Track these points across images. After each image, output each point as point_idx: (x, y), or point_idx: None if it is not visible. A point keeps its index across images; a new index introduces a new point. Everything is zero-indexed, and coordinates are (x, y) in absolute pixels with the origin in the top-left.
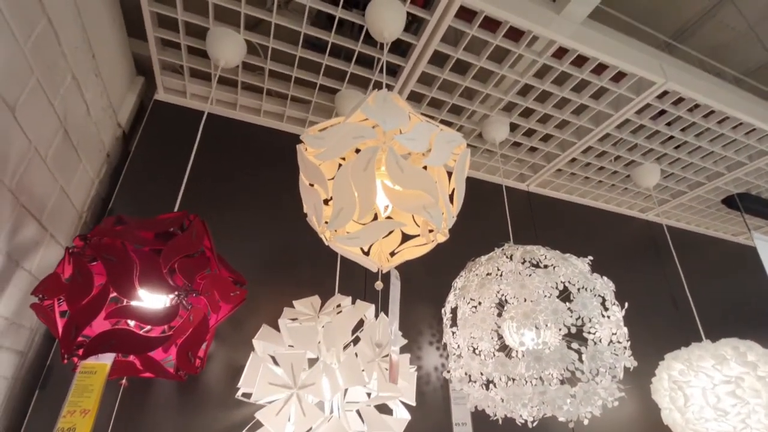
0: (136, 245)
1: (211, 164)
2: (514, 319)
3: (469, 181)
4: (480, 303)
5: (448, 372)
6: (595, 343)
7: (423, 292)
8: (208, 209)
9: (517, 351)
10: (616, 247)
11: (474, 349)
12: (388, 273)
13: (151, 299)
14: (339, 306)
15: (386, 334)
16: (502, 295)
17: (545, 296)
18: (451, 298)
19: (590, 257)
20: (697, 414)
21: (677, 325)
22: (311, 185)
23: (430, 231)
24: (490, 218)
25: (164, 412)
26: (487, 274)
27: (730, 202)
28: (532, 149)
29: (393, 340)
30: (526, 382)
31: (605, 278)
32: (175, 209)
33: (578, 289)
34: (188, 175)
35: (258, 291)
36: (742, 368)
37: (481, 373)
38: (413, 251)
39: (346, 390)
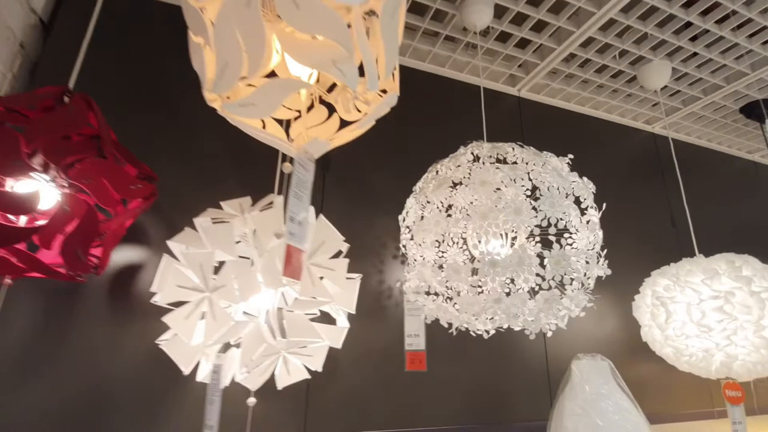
0: None
1: (139, 52)
2: (470, 220)
3: (448, 82)
4: (437, 205)
5: (402, 282)
6: (562, 247)
7: (387, 202)
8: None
9: (475, 257)
10: (616, 161)
11: (443, 255)
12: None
13: (24, 185)
14: (270, 204)
15: (289, 224)
16: (460, 194)
17: (504, 191)
18: (408, 202)
19: (570, 155)
20: (678, 330)
21: (674, 245)
22: (198, 42)
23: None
24: (472, 125)
25: (92, 322)
26: (446, 173)
27: (750, 110)
28: (523, 43)
29: (294, 230)
30: (481, 290)
31: (585, 179)
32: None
33: (548, 188)
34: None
35: (204, 197)
36: (735, 283)
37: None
38: (344, 135)
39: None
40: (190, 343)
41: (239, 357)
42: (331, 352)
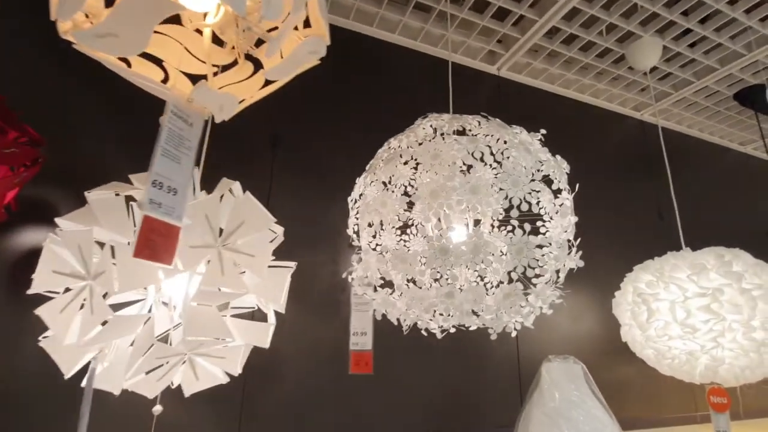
0: None
1: None
2: (419, 200)
3: (417, 56)
4: (385, 183)
5: (349, 273)
6: (525, 233)
7: (347, 183)
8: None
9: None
10: (602, 149)
11: (400, 241)
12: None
13: None
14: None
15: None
16: (412, 170)
17: (463, 169)
18: (358, 181)
19: (543, 131)
20: (661, 331)
21: (661, 239)
22: None
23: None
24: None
25: None
26: (398, 147)
27: (744, 96)
28: (501, 14)
29: (161, 199)
30: (431, 283)
31: (558, 157)
32: None
33: (512, 163)
34: None
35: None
36: (724, 279)
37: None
38: (240, 88)
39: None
40: (64, 342)
41: (127, 359)
42: (274, 352)
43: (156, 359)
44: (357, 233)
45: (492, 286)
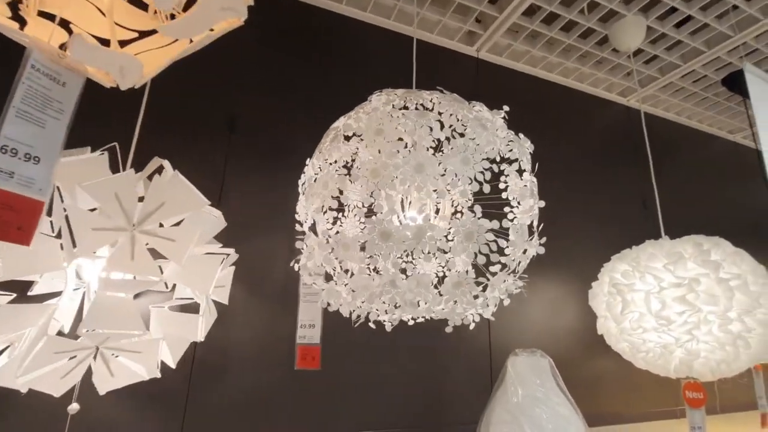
0: None
1: None
2: (358, 179)
3: (390, 35)
4: (330, 163)
5: (296, 261)
6: (476, 215)
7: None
8: None
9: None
10: (586, 136)
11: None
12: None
13: None
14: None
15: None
16: (356, 147)
17: (408, 147)
18: (308, 163)
19: (506, 107)
20: (635, 323)
21: (645, 229)
22: None
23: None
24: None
25: None
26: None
27: (732, 81)
28: None
29: (13, 167)
30: (370, 271)
31: (522, 136)
32: None
33: (462, 139)
34: None
35: None
36: (701, 269)
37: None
38: (159, 54)
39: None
40: None
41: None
42: (224, 346)
43: (54, 354)
44: (308, 219)
45: (423, 273)
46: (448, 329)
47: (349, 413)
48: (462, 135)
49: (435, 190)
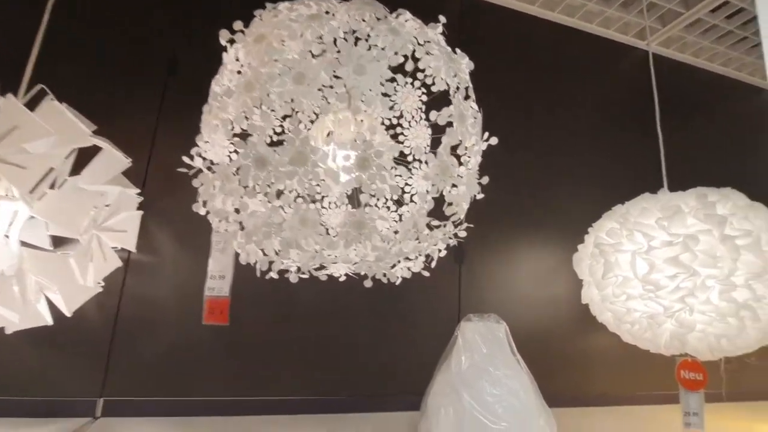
0: None
1: None
2: (233, 95)
3: None
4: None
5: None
6: (370, 138)
7: None
8: None
9: None
10: (598, 84)
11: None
12: None
13: None
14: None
15: None
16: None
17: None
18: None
19: (443, 19)
20: (618, 289)
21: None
22: None
23: None
24: None
25: None
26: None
27: None
28: None
29: None
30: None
31: (459, 51)
32: None
33: (353, 41)
34: None
35: None
36: (702, 224)
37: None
38: None
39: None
40: None
41: None
42: (151, 299)
43: None
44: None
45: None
46: (367, 283)
47: (256, 375)
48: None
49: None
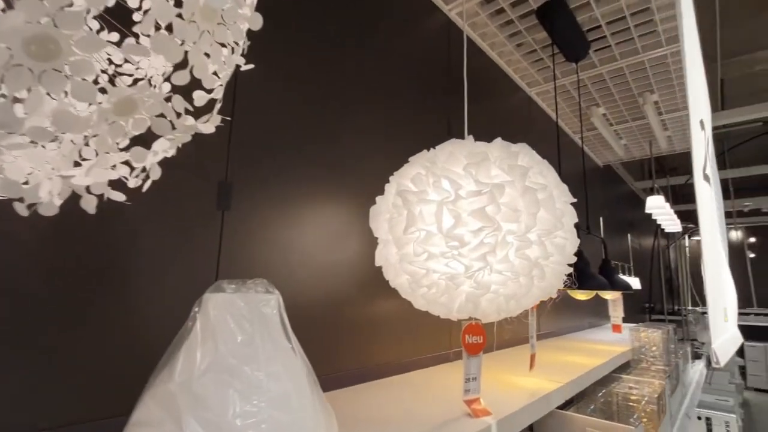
0: None
1: None
2: None
3: None
4: None
5: None
6: None
7: None
8: None
9: None
10: (401, 43)
11: None
12: None
13: None
14: None
15: None
16: None
17: None
18: None
19: None
20: (421, 246)
21: None
22: None
23: None
24: None
25: None
26: None
27: (545, 11)
28: None
29: None
30: None
31: None
32: None
33: None
34: None
35: None
36: (506, 176)
37: None
38: None
39: None
40: None
41: None
42: None
43: None
44: None
45: None
46: (23, 212)
47: None
48: None
49: None
